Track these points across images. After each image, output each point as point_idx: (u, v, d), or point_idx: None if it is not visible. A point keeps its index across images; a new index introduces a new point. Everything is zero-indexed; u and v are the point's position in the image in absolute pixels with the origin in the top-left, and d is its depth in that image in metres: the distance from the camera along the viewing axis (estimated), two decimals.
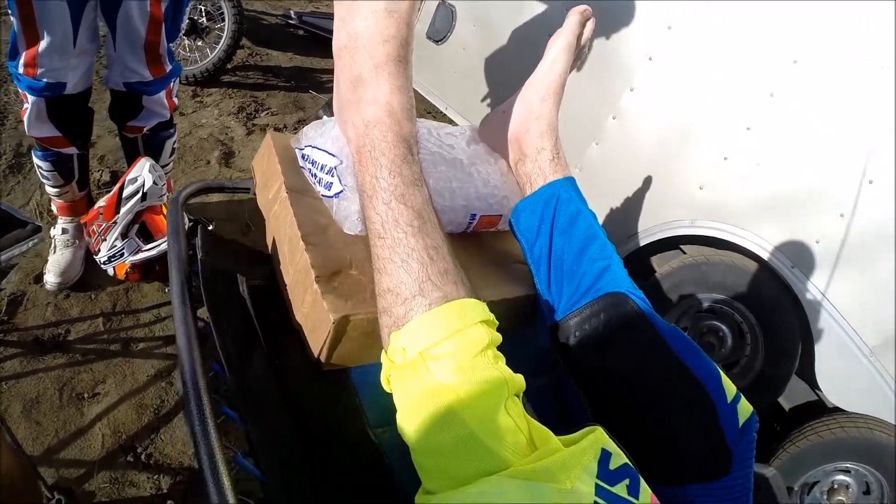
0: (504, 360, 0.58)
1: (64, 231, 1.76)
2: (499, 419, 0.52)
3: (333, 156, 0.78)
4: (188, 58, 2.67)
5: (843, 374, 1.86)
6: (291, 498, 0.60)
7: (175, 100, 1.70)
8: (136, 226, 1.57)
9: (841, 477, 2.06)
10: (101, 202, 1.60)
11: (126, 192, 1.58)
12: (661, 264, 1.92)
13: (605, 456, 0.56)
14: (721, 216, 1.79)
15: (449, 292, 0.57)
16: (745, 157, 1.74)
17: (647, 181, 1.83)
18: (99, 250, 1.62)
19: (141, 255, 1.58)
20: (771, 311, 1.84)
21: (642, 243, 1.86)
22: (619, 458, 0.57)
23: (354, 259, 0.73)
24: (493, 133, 0.97)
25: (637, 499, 0.54)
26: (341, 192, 0.76)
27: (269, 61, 3.20)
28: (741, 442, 0.70)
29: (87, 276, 1.78)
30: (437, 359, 0.54)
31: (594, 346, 0.77)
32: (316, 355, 0.69)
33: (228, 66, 2.81)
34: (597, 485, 0.52)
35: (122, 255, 1.59)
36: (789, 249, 1.77)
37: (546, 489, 0.49)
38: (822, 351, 1.84)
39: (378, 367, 0.60)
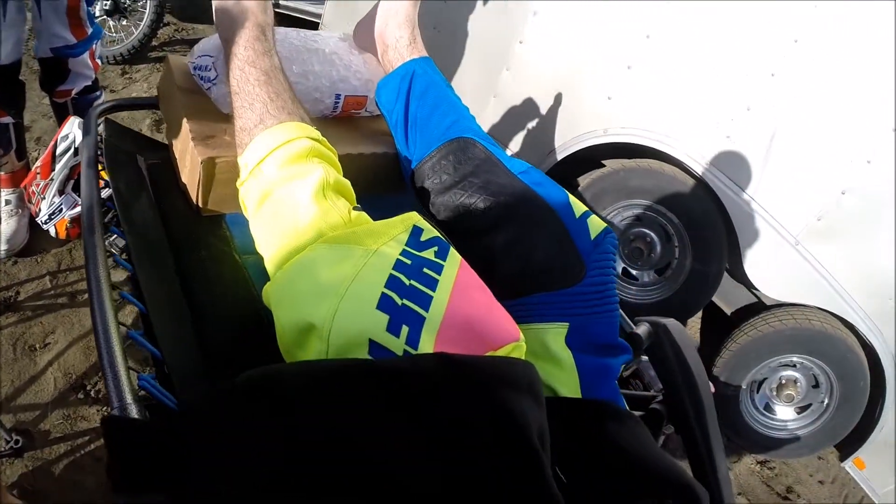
0: (334, 169, 0.82)
1: (7, 202, 2.01)
2: (316, 201, 0.71)
3: (212, 56, 1.03)
4: (114, 38, 2.92)
5: (772, 265, 2.10)
6: (167, 308, 0.82)
7: (98, 61, 1.95)
8: (72, 181, 1.81)
9: (788, 372, 2.31)
10: (38, 163, 1.84)
11: (59, 150, 1.81)
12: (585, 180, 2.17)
13: (417, 231, 0.72)
14: (632, 123, 2.05)
15: (284, 119, 0.81)
16: (646, 64, 2.00)
17: (559, 98, 2.08)
18: (40, 210, 1.85)
19: (78, 209, 1.82)
20: (692, 209, 2.09)
21: (560, 157, 2.11)
22: (431, 232, 0.73)
23: (228, 129, 0.97)
24: (363, 36, 1.22)
25: (444, 261, 0.68)
26: (216, 77, 1.01)
27: (196, 35, 3.44)
28: (595, 252, 0.84)
29: (32, 242, 2.02)
30: (269, 164, 0.78)
31: (446, 184, 0.96)
32: (194, 201, 0.94)
33: (155, 42, 3.07)
34: (404, 250, 0.67)
35: (61, 210, 1.82)
36: (701, 148, 2.02)
37: (352, 249, 0.65)
38: (748, 244, 2.08)
39: None
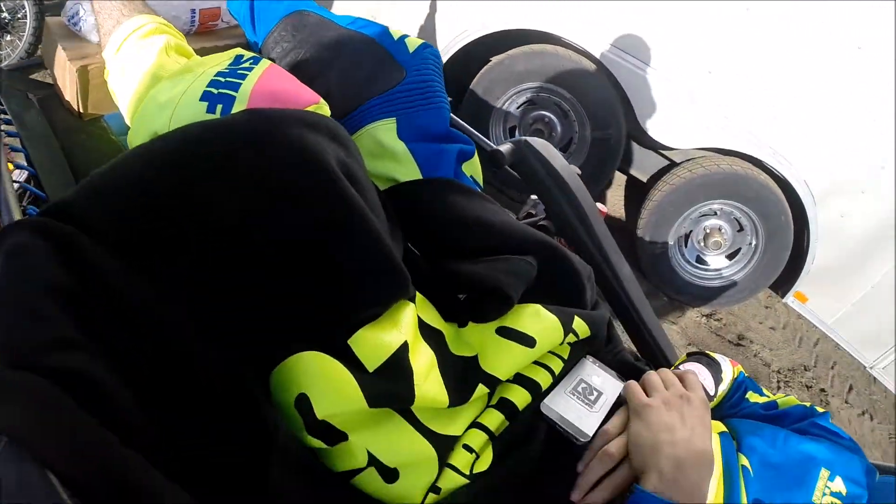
0: (178, 41, 1.05)
1: None
2: (159, 57, 0.94)
3: (78, 2, 1.26)
4: (2, 55, 3.12)
5: (669, 117, 2.36)
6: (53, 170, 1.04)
7: None
8: None
9: (711, 221, 2.58)
10: None
11: None
12: None
13: (240, 57, 0.91)
14: (505, 10, 2.29)
15: (135, 17, 1.05)
16: None
17: (434, 6, 2.33)
18: None
19: None
20: (583, 82, 2.33)
21: (446, 58, 2.35)
22: (250, 54, 0.92)
23: (99, 52, 1.21)
24: None
25: (255, 65, 0.86)
26: (83, 14, 1.25)
27: None
28: (413, 60, 1.00)
29: None
30: (125, 48, 1.01)
31: (286, 50, 1.14)
32: (76, 108, 1.18)
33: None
34: (226, 67, 0.86)
35: None
36: (579, 20, 2.24)
37: (185, 76, 0.86)
38: (642, 104, 2.34)
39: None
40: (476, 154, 1.01)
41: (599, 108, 2.37)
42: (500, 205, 0.89)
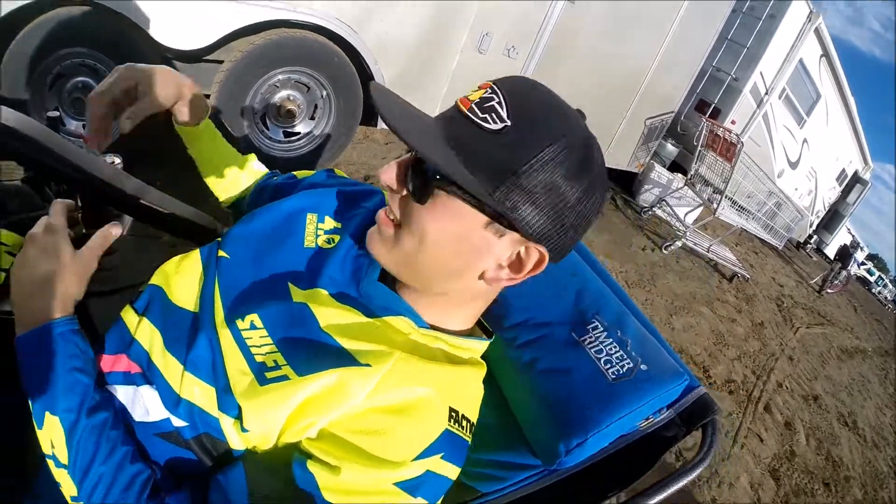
0: None
1: None
2: None
3: None
4: None
5: (180, 25, 2.49)
6: None
7: None
8: None
9: (278, 95, 2.88)
10: None
11: None
12: None
13: None
14: None
15: None
16: None
17: None
18: None
19: None
20: (80, 32, 2.40)
21: None
22: None
23: None
24: None
25: None
26: None
27: None
28: None
29: None
30: None
31: None
32: None
33: None
34: None
35: None
36: None
37: None
38: (142, 18, 2.50)
39: None
40: None
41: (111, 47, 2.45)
42: None
